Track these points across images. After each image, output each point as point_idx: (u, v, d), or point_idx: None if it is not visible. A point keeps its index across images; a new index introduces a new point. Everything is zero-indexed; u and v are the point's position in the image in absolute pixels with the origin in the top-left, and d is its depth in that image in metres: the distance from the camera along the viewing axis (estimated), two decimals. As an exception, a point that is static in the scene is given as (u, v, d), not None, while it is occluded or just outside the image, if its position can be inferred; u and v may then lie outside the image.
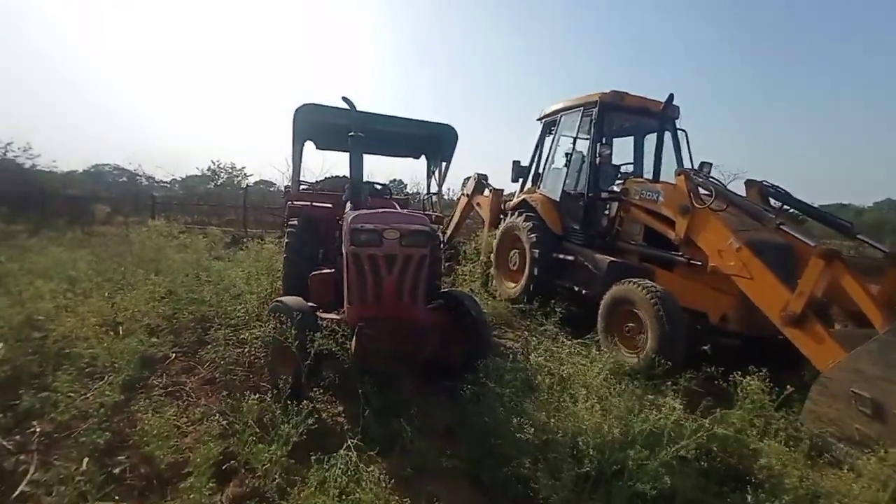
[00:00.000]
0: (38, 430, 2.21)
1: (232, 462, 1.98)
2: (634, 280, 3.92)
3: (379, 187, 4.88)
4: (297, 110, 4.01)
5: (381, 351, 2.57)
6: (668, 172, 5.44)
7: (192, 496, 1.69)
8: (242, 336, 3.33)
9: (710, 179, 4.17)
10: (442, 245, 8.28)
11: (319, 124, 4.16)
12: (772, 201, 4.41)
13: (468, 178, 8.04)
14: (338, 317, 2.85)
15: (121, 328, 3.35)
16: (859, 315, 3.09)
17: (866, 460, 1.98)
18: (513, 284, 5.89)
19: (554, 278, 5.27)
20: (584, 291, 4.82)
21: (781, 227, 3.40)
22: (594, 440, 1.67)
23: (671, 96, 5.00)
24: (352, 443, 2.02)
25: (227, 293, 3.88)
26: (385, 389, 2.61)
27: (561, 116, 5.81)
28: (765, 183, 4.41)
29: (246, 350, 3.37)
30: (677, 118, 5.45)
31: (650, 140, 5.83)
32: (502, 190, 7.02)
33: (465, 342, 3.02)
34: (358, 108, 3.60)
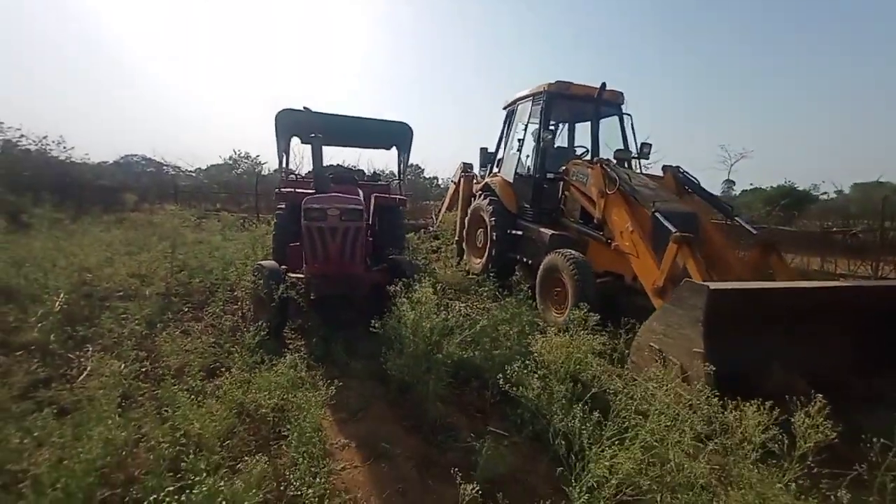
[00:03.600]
0: (91, 349, 3.24)
1: (218, 365, 2.96)
2: (560, 250, 4.70)
3: (357, 176, 5.82)
4: (277, 114, 4.94)
5: (326, 293, 3.52)
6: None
7: (187, 380, 2.66)
8: (236, 294, 4.33)
9: (616, 168, 4.80)
10: (433, 227, 9.20)
11: (300, 123, 5.06)
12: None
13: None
14: (301, 274, 3.80)
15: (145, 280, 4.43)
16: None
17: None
18: (478, 260, 6.71)
19: (509, 252, 6.07)
20: (530, 262, 5.62)
21: (655, 213, 3.99)
22: (414, 331, 2.60)
23: (603, 84, 5.60)
24: (297, 355, 2.97)
25: (225, 263, 4.90)
26: (333, 327, 3.55)
27: (518, 105, 6.49)
28: (679, 169, 5.10)
29: (239, 305, 4.38)
30: (622, 104, 6.08)
31: (605, 123, 6.49)
32: (474, 175, 7.77)
33: None
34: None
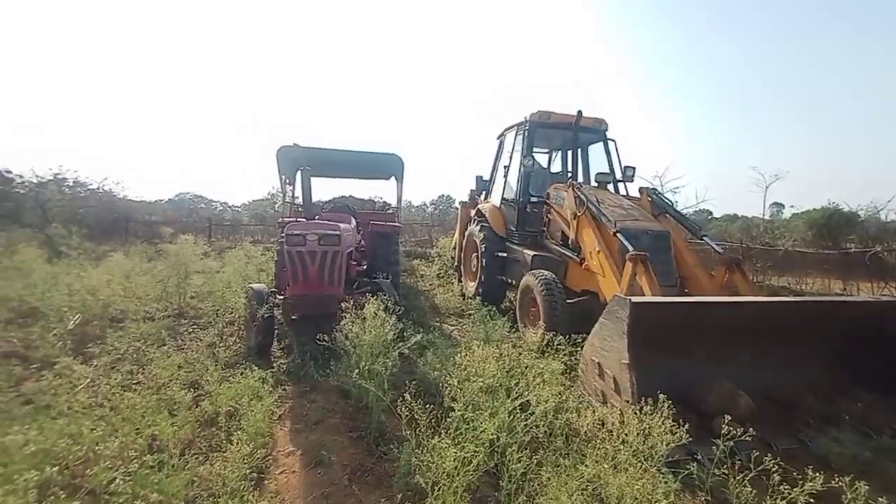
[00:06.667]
0: (96, 363, 3.66)
1: (198, 378, 3.28)
2: (533, 271, 4.83)
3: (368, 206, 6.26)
4: (277, 151, 5.47)
5: (304, 313, 3.82)
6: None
7: (169, 392, 2.98)
8: (232, 315, 4.72)
9: (586, 190, 4.95)
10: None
11: (301, 158, 5.55)
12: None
13: None
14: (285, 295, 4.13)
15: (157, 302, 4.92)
16: None
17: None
18: (472, 283, 6.87)
19: (498, 274, 6.21)
20: (514, 282, 5.74)
21: (616, 234, 4.10)
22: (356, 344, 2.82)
23: (579, 112, 5.83)
24: (270, 371, 3.25)
25: (223, 287, 5.39)
26: (312, 345, 3.82)
27: (506, 134, 6.78)
28: (655, 191, 5.22)
29: (236, 325, 4.76)
30: (605, 129, 6.25)
31: (594, 149, 6.66)
32: (474, 202, 8.04)
33: None
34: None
